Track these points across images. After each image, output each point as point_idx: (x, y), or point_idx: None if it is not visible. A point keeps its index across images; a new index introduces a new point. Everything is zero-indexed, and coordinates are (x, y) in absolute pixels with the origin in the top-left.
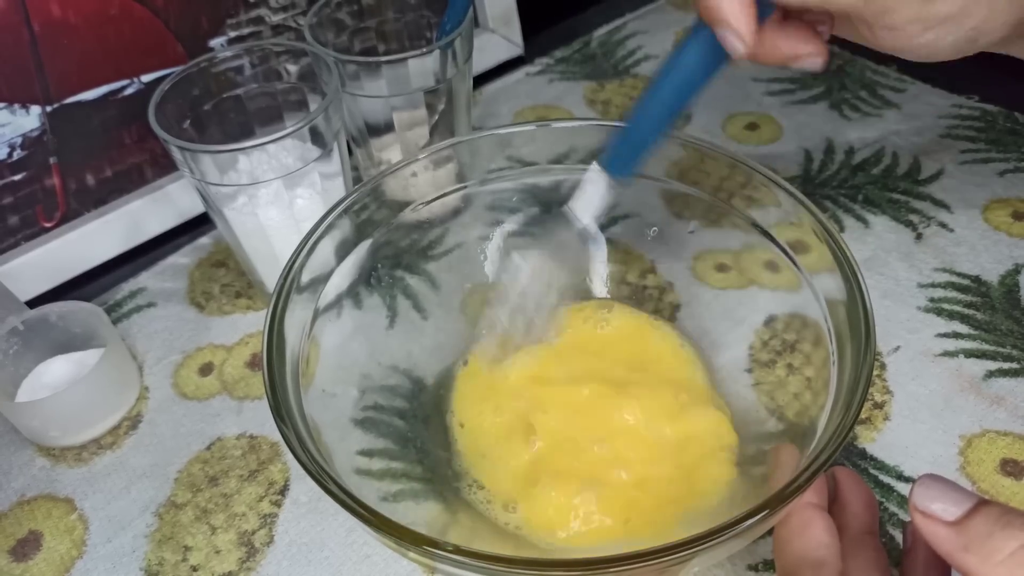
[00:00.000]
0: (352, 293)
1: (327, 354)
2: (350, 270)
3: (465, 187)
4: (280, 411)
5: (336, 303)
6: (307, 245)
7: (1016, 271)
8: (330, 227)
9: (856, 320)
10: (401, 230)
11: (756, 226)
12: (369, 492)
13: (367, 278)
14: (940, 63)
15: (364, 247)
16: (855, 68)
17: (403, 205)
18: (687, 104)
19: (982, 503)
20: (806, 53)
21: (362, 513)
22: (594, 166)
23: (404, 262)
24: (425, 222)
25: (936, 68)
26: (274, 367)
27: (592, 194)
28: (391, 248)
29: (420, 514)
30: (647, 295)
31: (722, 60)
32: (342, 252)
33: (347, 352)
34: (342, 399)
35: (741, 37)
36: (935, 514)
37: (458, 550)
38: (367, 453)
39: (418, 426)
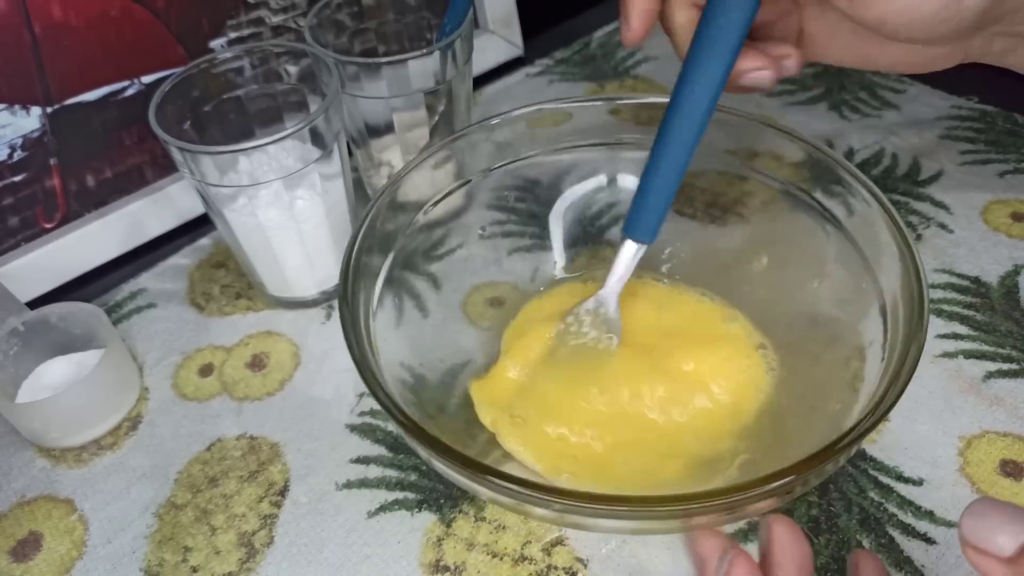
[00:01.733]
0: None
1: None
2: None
3: (469, 181)
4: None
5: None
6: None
7: (1015, 272)
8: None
9: (911, 312)
10: (411, 233)
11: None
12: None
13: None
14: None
15: (392, 252)
16: (854, 69)
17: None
18: (694, 149)
19: None
20: (751, 67)
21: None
22: (627, 242)
23: (410, 263)
24: (433, 223)
25: None
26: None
27: (626, 265)
28: (404, 252)
29: (415, 523)
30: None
31: (716, 95)
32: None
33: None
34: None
35: (628, 23)
36: (989, 550)
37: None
38: (363, 460)
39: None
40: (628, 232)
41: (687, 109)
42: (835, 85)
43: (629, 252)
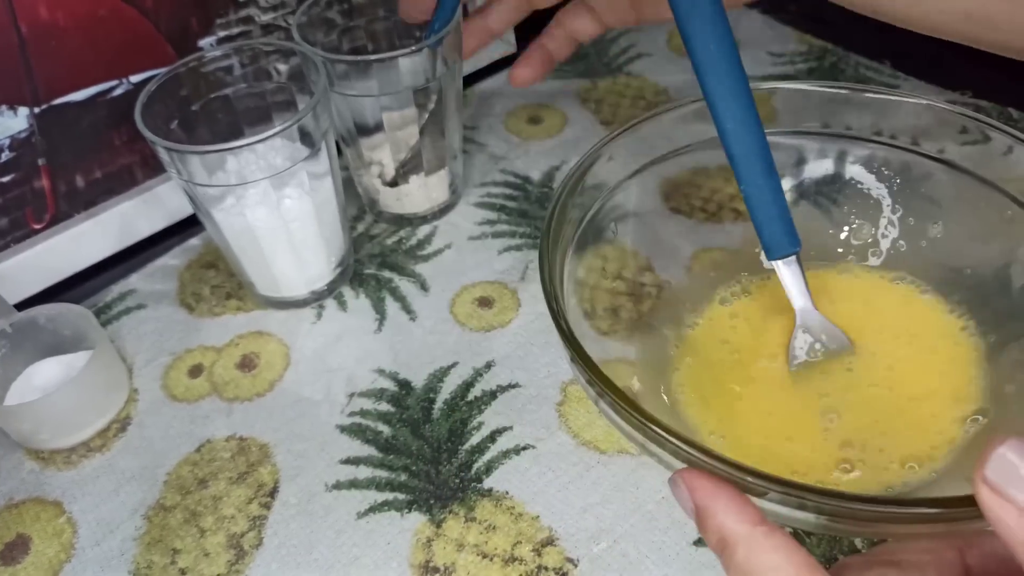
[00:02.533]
0: None
1: None
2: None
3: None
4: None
5: None
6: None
7: None
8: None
9: None
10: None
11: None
12: None
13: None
14: (936, 59)
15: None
16: (848, 65)
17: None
18: (767, 148)
19: None
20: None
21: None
22: (776, 263)
23: (390, 262)
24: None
25: (930, 64)
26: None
27: (795, 281)
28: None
29: (405, 523)
30: None
31: (752, 98)
32: None
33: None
34: None
35: None
36: (1012, 498)
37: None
38: (353, 461)
39: (405, 431)
40: (771, 256)
41: (732, 123)
42: (828, 79)
43: (787, 271)
